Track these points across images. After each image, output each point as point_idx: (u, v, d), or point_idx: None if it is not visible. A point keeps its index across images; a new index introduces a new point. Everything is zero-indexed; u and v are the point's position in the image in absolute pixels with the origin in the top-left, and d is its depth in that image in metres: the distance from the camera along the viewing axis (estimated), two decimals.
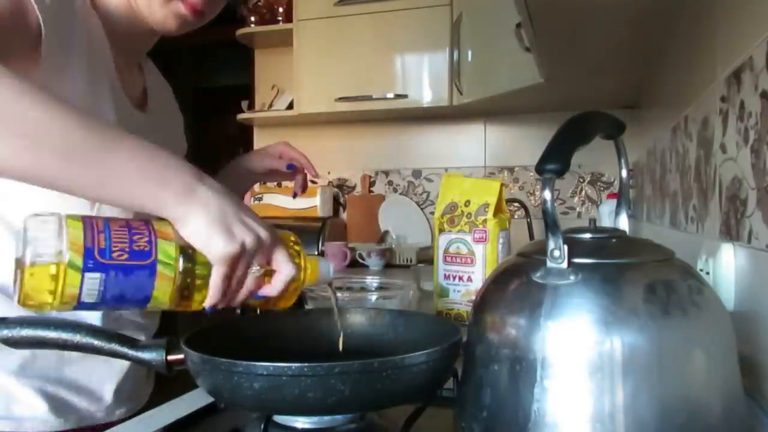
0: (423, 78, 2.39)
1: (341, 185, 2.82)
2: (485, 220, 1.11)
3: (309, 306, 0.93)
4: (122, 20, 0.79)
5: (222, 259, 0.56)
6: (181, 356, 0.59)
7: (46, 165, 0.52)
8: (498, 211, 1.14)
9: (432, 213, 2.73)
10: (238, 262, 0.57)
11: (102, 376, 0.84)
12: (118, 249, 0.53)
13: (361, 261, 2.35)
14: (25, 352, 0.76)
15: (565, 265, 0.50)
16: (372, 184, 2.79)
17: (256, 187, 2.59)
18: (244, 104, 2.85)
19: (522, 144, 2.62)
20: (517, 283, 0.54)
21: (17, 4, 0.63)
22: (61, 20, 0.69)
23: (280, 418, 0.59)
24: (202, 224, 0.56)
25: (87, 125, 0.54)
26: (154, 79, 0.95)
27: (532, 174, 2.59)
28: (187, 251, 0.56)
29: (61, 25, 0.69)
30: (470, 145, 2.69)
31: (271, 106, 2.75)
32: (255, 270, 0.59)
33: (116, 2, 0.78)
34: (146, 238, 0.55)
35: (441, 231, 1.15)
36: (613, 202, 1.52)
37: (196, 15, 0.78)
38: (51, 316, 0.60)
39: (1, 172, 0.53)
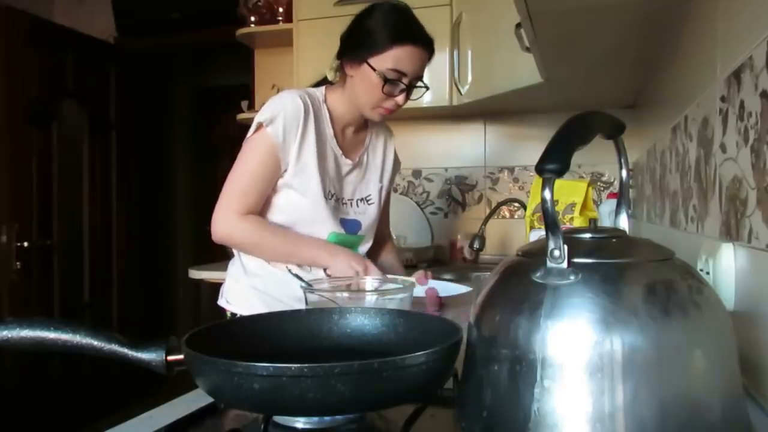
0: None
1: None
2: (572, 218, 1.19)
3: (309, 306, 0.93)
4: (345, 111, 1.45)
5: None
6: (181, 356, 0.59)
7: (283, 258, 1.38)
8: (584, 209, 1.24)
9: (432, 213, 2.73)
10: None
11: None
12: None
13: None
14: None
15: (565, 265, 0.50)
16: None
17: None
18: (244, 104, 2.85)
19: (522, 144, 2.62)
20: (517, 283, 0.54)
21: (275, 165, 1.34)
22: (295, 135, 1.34)
23: (280, 419, 0.59)
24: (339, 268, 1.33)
25: (293, 242, 1.37)
26: (378, 136, 1.56)
27: (532, 174, 2.59)
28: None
29: (295, 137, 1.34)
30: (470, 145, 2.69)
31: None
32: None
33: (342, 104, 1.44)
34: None
35: (531, 228, 1.27)
36: (613, 202, 1.52)
37: (390, 113, 1.41)
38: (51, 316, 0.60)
39: (271, 258, 1.41)
